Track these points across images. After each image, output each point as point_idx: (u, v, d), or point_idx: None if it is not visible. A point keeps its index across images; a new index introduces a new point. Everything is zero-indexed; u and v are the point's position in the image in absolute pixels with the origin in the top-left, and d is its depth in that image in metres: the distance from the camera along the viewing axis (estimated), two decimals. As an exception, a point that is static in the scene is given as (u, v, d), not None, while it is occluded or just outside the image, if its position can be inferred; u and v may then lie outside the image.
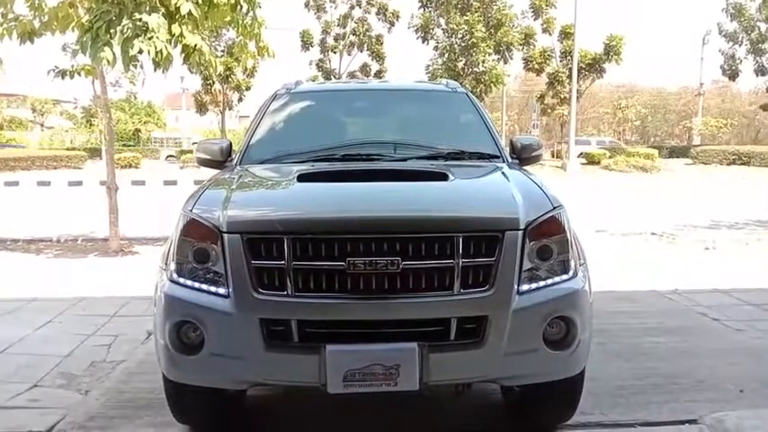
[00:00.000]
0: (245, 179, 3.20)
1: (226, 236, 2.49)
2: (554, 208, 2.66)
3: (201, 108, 33.26)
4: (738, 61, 32.49)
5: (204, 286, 2.51)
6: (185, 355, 2.53)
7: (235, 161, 3.64)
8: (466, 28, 28.46)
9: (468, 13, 28.77)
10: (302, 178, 2.99)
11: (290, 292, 2.43)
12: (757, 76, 32.92)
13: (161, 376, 2.78)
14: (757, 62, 31.92)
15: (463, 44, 28.88)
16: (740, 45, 31.95)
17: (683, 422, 3.16)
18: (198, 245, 2.55)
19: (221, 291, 2.48)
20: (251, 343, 2.44)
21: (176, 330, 2.54)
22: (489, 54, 28.65)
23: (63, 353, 4.19)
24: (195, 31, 6.74)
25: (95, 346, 4.36)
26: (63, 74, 7.70)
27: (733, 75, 33.51)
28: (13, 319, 5.02)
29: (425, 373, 2.42)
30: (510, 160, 3.64)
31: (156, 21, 6.25)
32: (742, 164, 28.25)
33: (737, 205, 13.41)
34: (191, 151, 31.84)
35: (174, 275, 2.58)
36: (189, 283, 2.54)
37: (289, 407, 3.35)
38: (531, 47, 30.24)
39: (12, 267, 7.45)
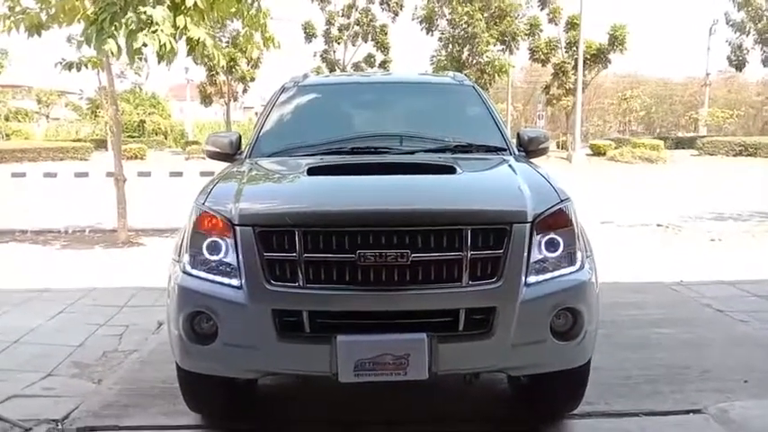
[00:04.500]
0: (256, 172, 3.24)
1: (238, 228, 2.53)
2: (561, 201, 2.70)
3: (206, 99, 33.27)
4: (745, 51, 32.16)
5: (217, 278, 2.56)
6: (199, 345, 2.59)
7: (244, 154, 3.68)
8: (466, 19, 28.33)
9: (469, 4, 28.61)
10: (312, 171, 3.03)
11: (301, 284, 2.47)
12: (764, 66, 32.54)
13: (173, 366, 2.84)
14: (764, 52, 31.58)
15: (465, 35, 28.76)
16: (747, 35, 31.63)
17: (687, 412, 3.20)
18: (210, 237, 2.60)
19: (234, 282, 2.52)
20: (263, 333, 2.49)
21: (190, 321, 2.59)
22: (494, 44, 28.52)
23: (75, 343, 4.26)
24: (200, 24, 6.76)
25: (107, 336, 4.42)
26: (70, 66, 7.74)
27: (740, 65, 33.19)
28: (26, 309, 5.09)
29: (434, 362, 2.47)
30: (517, 153, 3.66)
31: (160, 14, 6.26)
32: (748, 155, 27.99)
33: (744, 197, 13.38)
34: (196, 143, 31.87)
35: (188, 267, 2.63)
36: (202, 274, 2.59)
37: (299, 394, 3.41)
38: (537, 37, 30.10)
39: (22, 258, 7.54)
